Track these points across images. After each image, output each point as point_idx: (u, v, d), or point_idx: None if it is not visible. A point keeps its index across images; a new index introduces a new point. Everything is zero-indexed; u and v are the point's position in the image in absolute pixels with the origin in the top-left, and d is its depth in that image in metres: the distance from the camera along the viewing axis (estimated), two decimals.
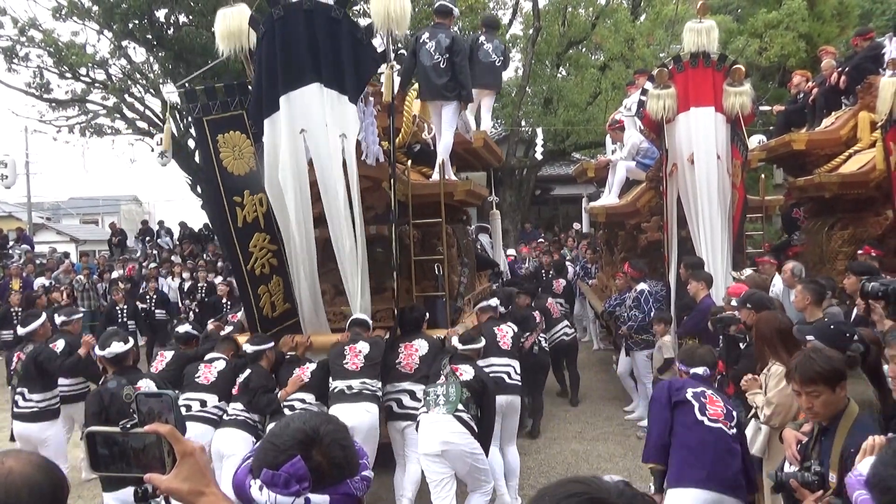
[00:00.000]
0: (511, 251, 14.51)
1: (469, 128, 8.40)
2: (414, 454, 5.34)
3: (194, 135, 5.94)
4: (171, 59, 16.08)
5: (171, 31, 16.40)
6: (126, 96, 18.58)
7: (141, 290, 13.50)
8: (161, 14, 16.19)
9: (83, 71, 17.78)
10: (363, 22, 6.52)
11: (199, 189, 19.87)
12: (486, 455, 5.16)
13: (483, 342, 5.81)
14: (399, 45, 6.49)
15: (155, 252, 18.21)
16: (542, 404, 8.16)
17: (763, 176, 9.74)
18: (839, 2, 22.20)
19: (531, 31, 20.00)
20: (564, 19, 20.69)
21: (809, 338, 3.65)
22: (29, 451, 1.43)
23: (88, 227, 37.62)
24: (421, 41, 7.47)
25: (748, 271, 7.01)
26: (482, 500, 5.09)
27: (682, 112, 7.62)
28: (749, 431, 4.05)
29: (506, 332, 6.50)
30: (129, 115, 19.15)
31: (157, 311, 12.85)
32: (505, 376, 6.17)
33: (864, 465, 2.01)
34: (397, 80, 6.80)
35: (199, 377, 5.69)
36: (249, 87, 5.86)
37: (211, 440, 5.29)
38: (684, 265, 7.39)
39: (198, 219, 21.09)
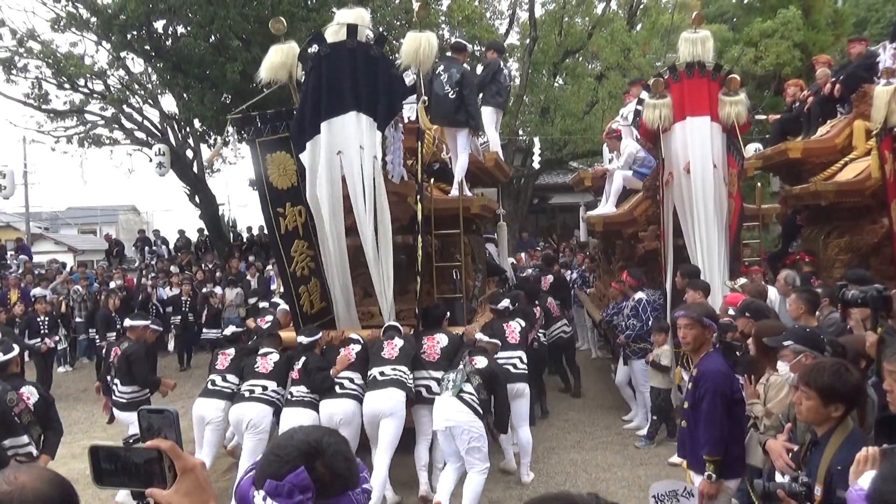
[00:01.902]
0: (511, 259, 14.53)
1: (480, 150, 9.16)
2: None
3: (249, 154, 7.01)
4: (170, 70, 16.10)
5: (168, 42, 16.42)
6: (124, 107, 18.59)
7: (141, 299, 13.55)
8: (159, 25, 16.22)
9: (81, 82, 17.78)
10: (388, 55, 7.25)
11: (196, 199, 19.89)
12: (504, 431, 6.35)
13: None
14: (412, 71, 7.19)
15: (153, 262, 18.19)
16: (543, 387, 8.98)
17: (759, 184, 9.78)
18: (834, 10, 22.39)
19: (528, 41, 20.10)
20: (561, 29, 20.78)
21: (787, 343, 3.67)
22: (40, 467, 1.46)
23: (87, 237, 37.55)
24: (436, 72, 8.25)
25: (742, 280, 7.02)
26: (481, 478, 5.73)
27: (678, 121, 7.66)
28: (748, 441, 4.05)
29: (514, 328, 7.21)
30: (128, 125, 19.15)
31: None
32: (511, 367, 6.85)
33: (864, 480, 2.02)
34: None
35: (258, 367, 6.54)
36: (294, 112, 6.69)
37: (268, 417, 6.25)
38: (680, 273, 7.42)
39: (196, 229, 21.05)
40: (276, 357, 6.62)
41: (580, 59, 22.15)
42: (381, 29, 15.52)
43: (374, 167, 6.52)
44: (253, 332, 7.62)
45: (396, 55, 7.11)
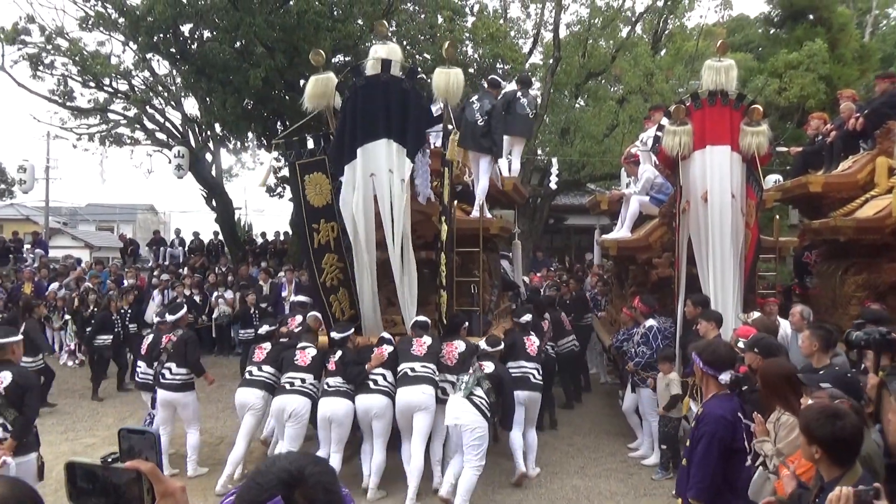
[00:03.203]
0: (524, 278, 14.47)
1: (499, 174, 9.75)
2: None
3: (288, 175, 7.80)
4: (193, 74, 16.22)
5: (194, 46, 16.57)
6: (147, 107, 18.79)
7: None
8: (186, 29, 16.38)
9: (106, 81, 17.99)
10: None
11: (213, 202, 19.99)
12: (509, 428, 7.05)
13: (502, 345, 7.29)
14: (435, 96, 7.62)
15: (166, 263, 18.28)
16: (552, 398, 9.53)
17: (777, 216, 9.67)
18: (860, 45, 22.28)
19: (551, 61, 20.11)
20: (584, 51, 20.79)
21: (825, 385, 3.58)
22: (9, 477, 1.38)
23: (104, 234, 37.90)
24: (470, 100, 8.98)
25: (756, 314, 6.91)
26: (474, 474, 6.39)
27: (698, 149, 7.64)
28: (756, 479, 3.95)
29: (533, 342, 7.89)
30: (149, 126, 19.36)
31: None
32: (530, 376, 7.64)
33: None
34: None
35: (297, 360, 7.17)
36: (331, 137, 7.49)
37: (305, 407, 6.89)
38: (691, 302, 7.37)
39: (211, 231, 21.13)
40: (313, 352, 7.26)
41: (602, 81, 22.14)
42: (405, 43, 15.63)
43: (402, 189, 7.22)
44: (285, 335, 8.07)
45: (421, 73, 7.64)
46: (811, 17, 23.13)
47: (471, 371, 6.68)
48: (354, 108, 7.22)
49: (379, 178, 7.25)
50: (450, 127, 7.59)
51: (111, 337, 11.47)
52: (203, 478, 7.47)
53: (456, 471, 6.50)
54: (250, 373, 7.42)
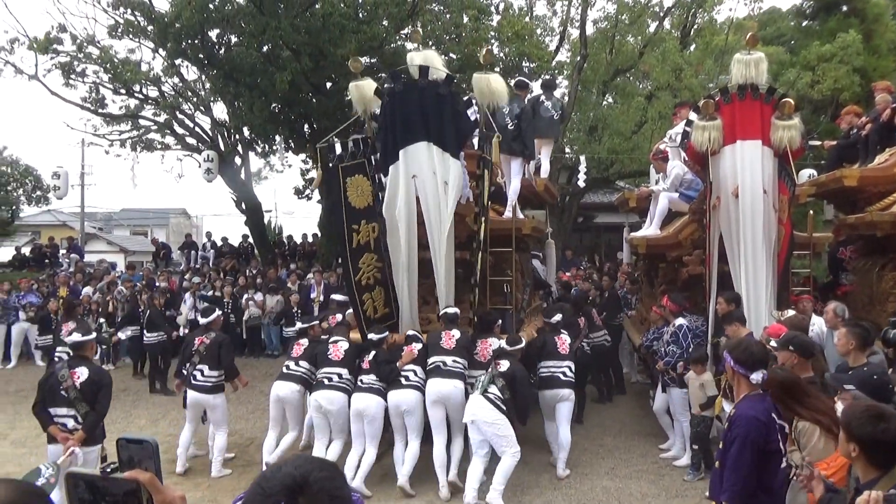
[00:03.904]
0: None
1: (531, 175, 10.01)
2: None
3: (330, 177, 7.87)
4: (221, 78, 16.42)
5: (221, 51, 16.79)
6: (177, 113, 19.05)
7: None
8: (213, 34, 16.59)
9: (137, 87, 18.30)
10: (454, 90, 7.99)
11: (243, 205, 20.18)
12: (524, 422, 7.04)
13: (522, 343, 7.41)
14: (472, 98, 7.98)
15: (197, 266, 18.49)
16: (584, 396, 9.74)
17: (811, 212, 9.45)
18: None
19: (578, 59, 19.97)
20: (612, 47, 20.62)
21: (849, 387, 3.48)
22: (18, 480, 1.39)
23: (138, 239, 38.46)
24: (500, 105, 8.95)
25: (790, 312, 6.76)
26: (512, 460, 6.60)
27: (728, 144, 7.49)
28: (791, 490, 3.84)
29: (565, 340, 7.98)
30: (179, 131, 19.63)
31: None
32: (561, 374, 7.73)
33: None
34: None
35: (330, 354, 7.40)
36: (369, 140, 7.78)
37: (343, 403, 7.13)
38: (723, 299, 7.24)
39: (241, 234, 21.34)
40: (345, 345, 7.47)
41: (630, 78, 21.93)
42: (430, 43, 15.62)
43: (444, 190, 7.48)
44: (325, 331, 8.31)
45: (448, 73, 7.71)
46: (844, 7, 22.69)
47: (488, 370, 6.93)
48: (393, 112, 7.47)
49: (421, 179, 7.48)
50: (485, 130, 7.79)
51: (162, 334, 11.73)
52: (228, 479, 7.54)
53: (479, 472, 6.62)
54: (287, 367, 7.71)
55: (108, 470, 1.43)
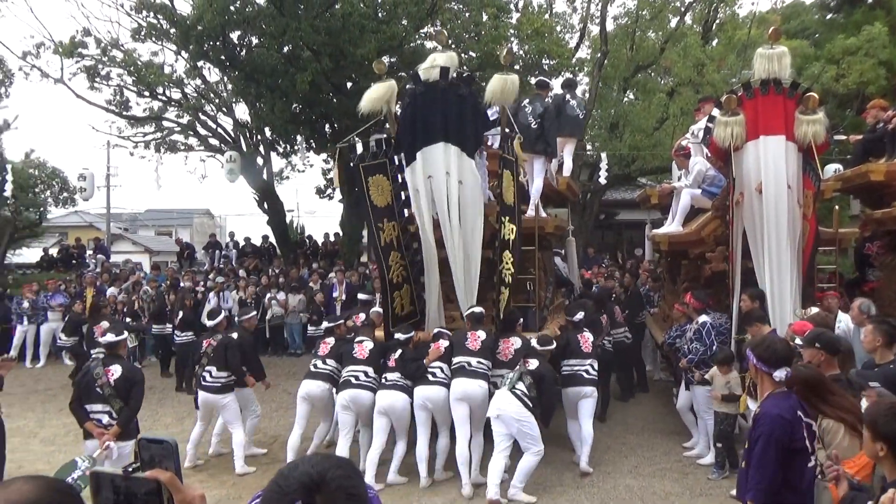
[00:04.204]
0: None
1: (554, 174, 10.09)
2: None
3: (354, 177, 8.15)
4: (243, 80, 16.55)
5: (243, 53, 16.91)
6: (199, 114, 19.23)
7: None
8: (234, 36, 16.72)
9: (160, 90, 18.50)
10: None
11: (265, 205, 20.33)
12: (547, 424, 7.11)
13: (554, 345, 7.52)
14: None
15: (221, 266, 18.66)
16: (608, 395, 9.82)
17: (837, 207, 9.34)
18: None
19: (598, 55, 19.86)
20: (633, 43, 20.48)
21: (874, 384, 3.44)
22: (48, 477, 1.42)
23: (162, 239, 38.95)
24: (522, 105, 9.25)
25: (814, 309, 6.69)
26: (534, 458, 6.70)
27: (752, 140, 7.45)
28: (816, 489, 3.80)
29: (587, 338, 8.03)
30: (202, 132, 19.82)
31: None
32: (584, 372, 7.81)
33: None
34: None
35: (355, 353, 7.54)
36: (391, 141, 7.90)
37: (370, 401, 7.27)
38: (747, 296, 7.20)
39: (262, 234, 21.51)
40: (370, 345, 7.63)
41: (652, 74, 21.78)
42: (449, 42, 15.62)
43: (459, 191, 7.60)
44: (350, 329, 8.47)
45: (465, 69, 7.72)
46: (869, 0, 22.34)
47: (517, 367, 7.00)
48: (414, 113, 7.61)
49: (436, 179, 7.61)
50: (507, 130, 7.81)
51: (192, 334, 11.91)
52: (252, 476, 7.61)
53: (500, 468, 6.70)
54: (315, 365, 7.85)
55: (130, 469, 1.45)
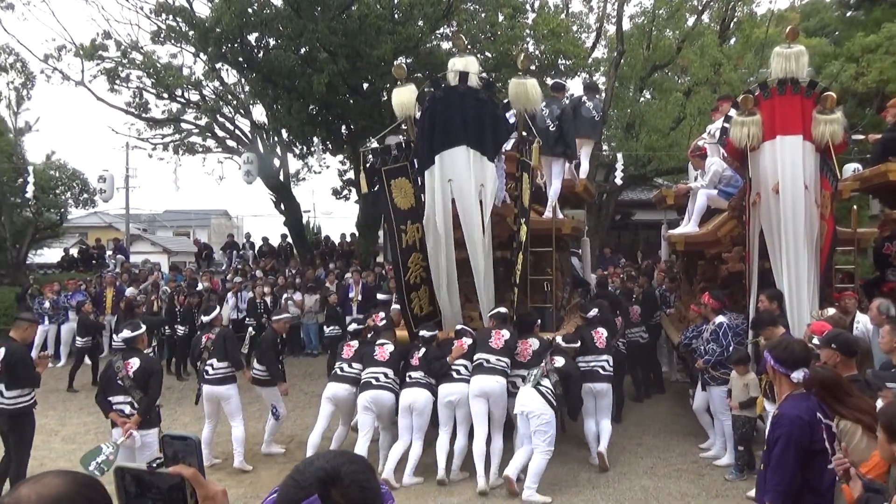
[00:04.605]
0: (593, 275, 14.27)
1: (575, 175, 10.28)
2: None
3: (375, 180, 8.18)
4: (260, 81, 16.66)
5: (260, 55, 17.01)
6: (217, 116, 19.36)
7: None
8: (252, 38, 16.82)
9: (179, 92, 18.66)
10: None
11: (282, 206, 20.45)
12: (574, 418, 7.69)
13: (578, 343, 7.70)
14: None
15: (239, 266, 18.77)
16: (622, 396, 9.82)
17: (855, 207, 9.26)
18: None
19: (614, 55, 19.79)
20: (649, 42, 20.37)
21: (891, 385, 3.42)
22: (74, 472, 1.46)
23: (180, 240, 39.17)
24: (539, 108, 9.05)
25: (830, 311, 6.64)
26: (544, 458, 6.74)
27: (768, 140, 7.40)
28: (836, 490, 3.79)
29: (601, 334, 8.13)
30: (220, 134, 19.95)
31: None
32: (599, 369, 7.91)
33: None
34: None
35: (376, 355, 7.68)
36: (412, 144, 8.00)
37: (391, 402, 7.44)
38: (765, 297, 7.17)
39: (280, 235, 21.59)
40: (391, 347, 7.78)
41: (668, 73, 21.65)
42: (466, 42, 15.63)
43: (480, 193, 7.69)
44: (370, 329, 8.62)
45: (486, 78, 7.98)
46: None
47: (542, 364, 7.08)
48: (433, 117, 7.67)
49: (457, 182, 7.69)
50: (524, 134, 7.88)
51: (186, 328, 12.26)
52: (270, 474, 7.66)
53: (523, 457, 6.83)
54: (341, 369, 7.91)
55: (154, 465, 1.48)
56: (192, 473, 1.47)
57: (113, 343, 13.14)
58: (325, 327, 14.29)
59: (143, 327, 6.72)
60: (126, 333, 6.56)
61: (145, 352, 6.81)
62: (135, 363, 6.34)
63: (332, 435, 8.02)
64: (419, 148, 7.86)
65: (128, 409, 6.26)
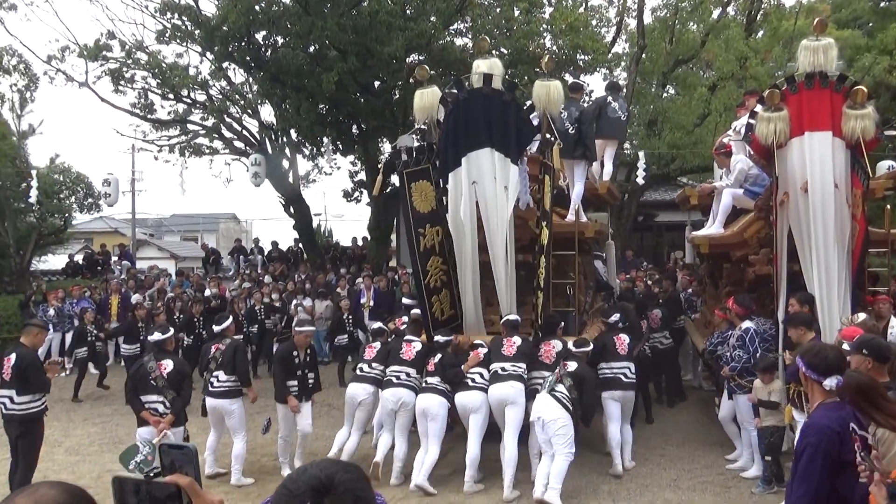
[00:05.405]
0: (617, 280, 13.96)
1: (595, 177, 10.30)
2: None
3: (397, 182, 8.46)
4: (268, 81, 16.48)
5: (268, 53, 16.84)
6: (224, 117, 19.24)
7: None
8: (259, 36, 16.65)
9: (185, 92, 18.52)
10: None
11: (291, 209, 20.22)
12: (588, 424, 7.48)
13: (591, 346, 7.68)
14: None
15: (247, 271, 18.53)
16: (649, 395, 10.04)
17: (889, 206, 8.90)
18: None
19: (635, 50, 19.42)
20: (672, 36, 20.01)
21: None
22: (67, 483, 1.46)
23: (188, 244, 38.86)
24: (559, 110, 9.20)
25: (862, 316, 6.36)
26: (565, 460, 6.69)
27: (796, 136, 7.19)
28: None
29: (624, 340, 8.08)
30: (227, 135, 19.82)
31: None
32: (622, 376, 7.91)
33: None
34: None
35: (402, 353, 7.72)
36: (434, 147, 8.04)
37: (412, 401, 7.42)
38: (796, 300, 6.96)
39: (292, 238, 21.45)
40: (418, 346, 7.79)
41: (692, 68, 21.24)
42: (489, 44, 15.34)
43: (504, 195, 7.71)
44: (392, 332, 8.67)
45: (509, 80, 8.03)
46: None
47: (556, 370, 7.10)
48: (457, 119, 7.72)
49: (481, 184, 7.72)
50: (548, 136, 7.92)
51: (193, 337, 12.17)
52: (256, 485, 7.53)
53: (545, 472, 6.76)
54: (361, 369, 8.02)
55: (152, 474, 1.55)
56: (189, 482, 1.51)
57: (121, 350, 13.02)
58: (336, 337, 13.31)
59: (172, 330, 7.20)
60: (157, 336, 7.09)
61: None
62: (168, 365, 6.86)
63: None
64: (443, 150, 7.88)
65: (161, 409, 6.74)
